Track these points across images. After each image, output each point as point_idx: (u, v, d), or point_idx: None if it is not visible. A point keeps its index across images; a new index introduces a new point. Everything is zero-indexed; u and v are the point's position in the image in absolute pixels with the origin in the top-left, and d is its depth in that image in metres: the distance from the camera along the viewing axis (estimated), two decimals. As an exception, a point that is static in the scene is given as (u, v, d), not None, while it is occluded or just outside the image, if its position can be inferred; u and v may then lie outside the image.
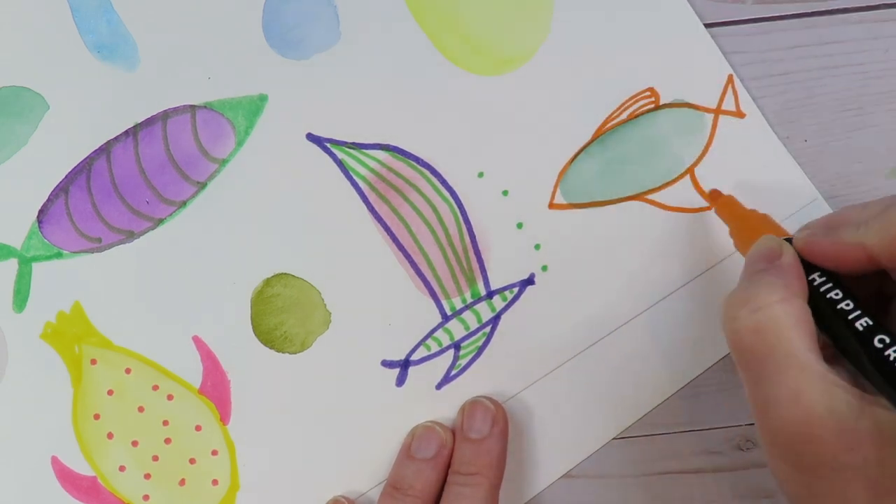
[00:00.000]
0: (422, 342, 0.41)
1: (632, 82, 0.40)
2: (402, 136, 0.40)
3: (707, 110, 0.41)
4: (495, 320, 0.41)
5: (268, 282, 0.40)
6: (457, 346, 0.41)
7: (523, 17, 0.40)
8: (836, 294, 0.32)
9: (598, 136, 0.40)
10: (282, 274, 0.40)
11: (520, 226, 0.41)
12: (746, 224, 0.37)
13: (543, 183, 0.40)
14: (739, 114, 0.41)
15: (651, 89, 0.40)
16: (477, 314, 0.41)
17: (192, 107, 0.40)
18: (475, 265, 0.40)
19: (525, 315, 0.41)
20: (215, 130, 0.40)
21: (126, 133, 0.40)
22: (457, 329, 0.41)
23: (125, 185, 0.40)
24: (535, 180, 0.40)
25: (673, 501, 0.42)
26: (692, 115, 0.41)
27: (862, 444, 0.29)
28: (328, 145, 0.40)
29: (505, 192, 0.40)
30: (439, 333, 0.41)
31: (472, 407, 0.40)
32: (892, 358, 0.30)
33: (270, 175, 0.40)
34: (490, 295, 0.41)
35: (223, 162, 0.40)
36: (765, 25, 0.40)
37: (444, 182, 0.40)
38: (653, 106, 0.40)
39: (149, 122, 0.40)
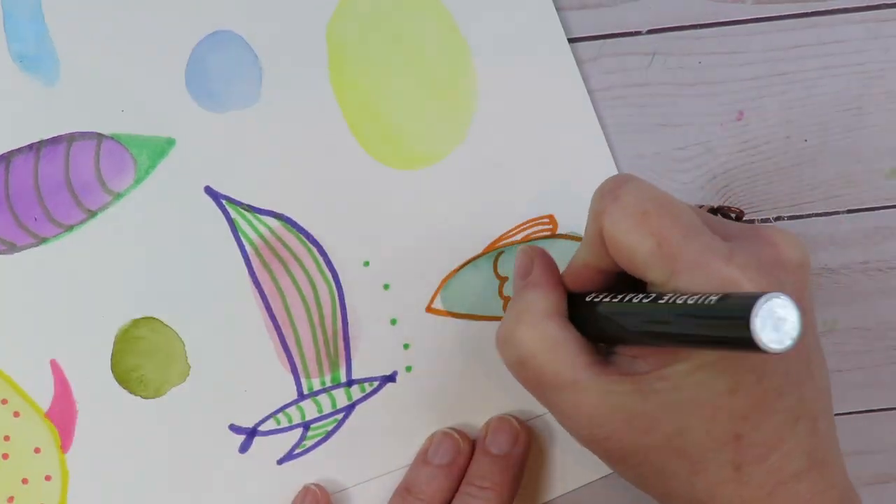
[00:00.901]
0: (273, 414, 0.40)
1: (533, 206, 0.40)
2: (298, 209, 0.40)
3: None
4: (349, 409, 0.41)
5: (136, 322, 0.40)
6: (306, 425, 0.41)
7: (442, 120, 0.40)
8: (597, 297, 0.33)
9: (489, 251, 0.40)
10: (151, 318, 0.40)
11: (394, 322, 0.41)
12: None
13: (426, 285, 0.40)
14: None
15: (550, 217, 0.40)
16: (333, 399, 0.41)
17: (100, 135, 0.40)
18: (342, 351, 0.40)
19: (379, 410, 0.41)
20: (117, 163, 0.40)
21: (30, 147, 0.40)
22: (310, 409, 0.41)
23: (17, 198, 0.40)
24: (419, 281, 0.40)
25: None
26: (583, 252, 0.40)
27: (656, 423, 0.31)
28: (224, 202, 0.40)
29: (386, 286, 0.40)
30: (292, 410, 0.40)
31: (498, 423, 0.40)
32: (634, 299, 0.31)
33: (161, 219, 0.40)
34: (350, 383, 0.41)
35: (118, 195, 0.40)
36: (765, 25, 0.40)
37: (328, 263, 0.40)
38: (549, 233, 0.40)
39: (54, 141, 0.40)
